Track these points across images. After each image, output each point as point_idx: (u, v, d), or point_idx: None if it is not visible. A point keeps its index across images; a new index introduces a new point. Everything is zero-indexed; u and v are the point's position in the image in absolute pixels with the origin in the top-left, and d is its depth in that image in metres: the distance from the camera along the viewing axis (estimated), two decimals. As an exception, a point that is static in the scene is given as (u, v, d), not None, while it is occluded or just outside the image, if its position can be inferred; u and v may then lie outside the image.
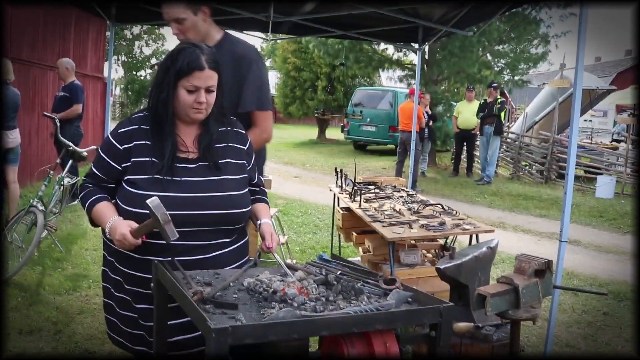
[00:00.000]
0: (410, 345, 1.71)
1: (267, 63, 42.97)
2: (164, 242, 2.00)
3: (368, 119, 17.57)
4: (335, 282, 1.84)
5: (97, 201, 2.19)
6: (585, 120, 18.29)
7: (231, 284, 1.89)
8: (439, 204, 4.84)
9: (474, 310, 2.42)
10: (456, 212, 4.65)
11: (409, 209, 4.77)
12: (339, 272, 2.05)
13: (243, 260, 2.31)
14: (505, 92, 16.15)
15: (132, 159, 2.16)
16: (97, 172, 2.24)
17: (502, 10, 4.73)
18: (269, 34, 6.24)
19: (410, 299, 1.77)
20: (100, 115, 13.00)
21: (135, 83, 25.24)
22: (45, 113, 6.17)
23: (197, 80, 2.11)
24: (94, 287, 4.85)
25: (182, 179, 2.14)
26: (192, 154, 2.21)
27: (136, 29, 24.52)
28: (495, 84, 12.36)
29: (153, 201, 1.95)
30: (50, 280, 4.91)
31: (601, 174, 11.98)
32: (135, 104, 26.73)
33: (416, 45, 6.41)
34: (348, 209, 5.20)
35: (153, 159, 2.15)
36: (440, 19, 5.66)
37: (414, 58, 14.52)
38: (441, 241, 5.08)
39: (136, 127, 2.21)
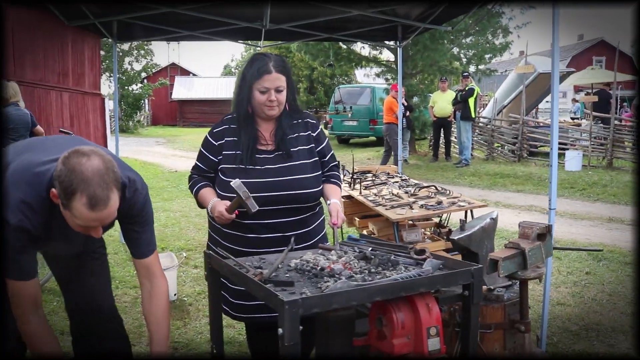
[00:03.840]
0: (446, 305, 1.81)
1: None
2: (255, 220, 2.36)
3: (349, 115, 17.71)
4: (373, 257, 1.94)
5: (200, 188, 2.51)
6: (546, 101, 18.52)
7: (280, 265, 1.97)
8: (434, 185, 4.95)
9: (486, 274, 2.53)
10: (450, 192, 4.76)
11: (406, 192, 4.87)
12: (371, 248, 2.14)
13: (320, 236, 2.57)
14: (472, 79, 16.34)
15: (223, 152, 2.47)
16: (199, 164, 2.55)
17: (478, 5, 4.82)
18: (261, 41, 6.30)
19: (441, 266, 1.87)
20: (101, 128, 12.89)
21: (129, 97, 25.03)
22: (61, 129, 6.11)
23: (266, 82, 2.37)
24: (121, 287, 4.88)
25: (262, 167, 2.39)
26: (270, 145, 2.46)
27: (125, 46, 24.32)
28: (466, 74, 12.57)
29: (235, 182, 2.25)
30: (81, 284, 4.92)
31: (567, 149, 12.19)
32: (131, 116, 26.45)
33: (394, 43, 6.50)
34: (349, 197, 5.29)
35: (238, 151, 2.43)
36: (418, 17, 5.75)
37: (388, 55, 14.63)
38: (436, 220, 5.20)
39: (227, 126, 2.51)
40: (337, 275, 1.78)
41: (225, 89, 36.95)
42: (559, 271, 5.17)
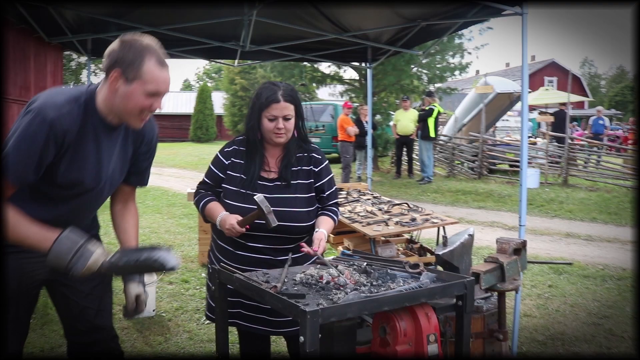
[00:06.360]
0: (442, 314, 1.99)
1: (209, 84, 42.54)
2: (253, 244, 2.49)
3: (323, 132, 18.06)
4: (372, 271, 2.11)
5: (208, 202, 2.61)
6: (503, 120, 19.26)
7: (285, 279, 2.11)
8: (406, 203, 5.17)
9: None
10: (422, 209, 4.99)
11: (380, 210, 5.08)
12: (365, 263, 2.31)
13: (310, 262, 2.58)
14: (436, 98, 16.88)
15: (227, 172, 2.60)
16: (208, 180, 2.67)
17: (451, 31, 5.09)
18: (236, 61, 6.44)
19: (435, 278, 2.06)
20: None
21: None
22: None
23: (275, 111, 2.49)
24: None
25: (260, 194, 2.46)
26: (272, 173, 2.57)
27: (82, 59, 23.89)
28: (430, 92, 13.04)
29: (259, 197, 2.35)
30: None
31: (524, 166, 12.70)
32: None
33: (364, 64, 6.77)
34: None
35: (242, 175, 2.56)
36: (388, 41, 6.02)
37: (352, 74, 14.97)
38: (407, 236, 5.43)
39: (236, 147, 2.64)
40: (342, 288, 1.95)
41: (185, 103, 36.58)
42: (524, 284, 5.46)
